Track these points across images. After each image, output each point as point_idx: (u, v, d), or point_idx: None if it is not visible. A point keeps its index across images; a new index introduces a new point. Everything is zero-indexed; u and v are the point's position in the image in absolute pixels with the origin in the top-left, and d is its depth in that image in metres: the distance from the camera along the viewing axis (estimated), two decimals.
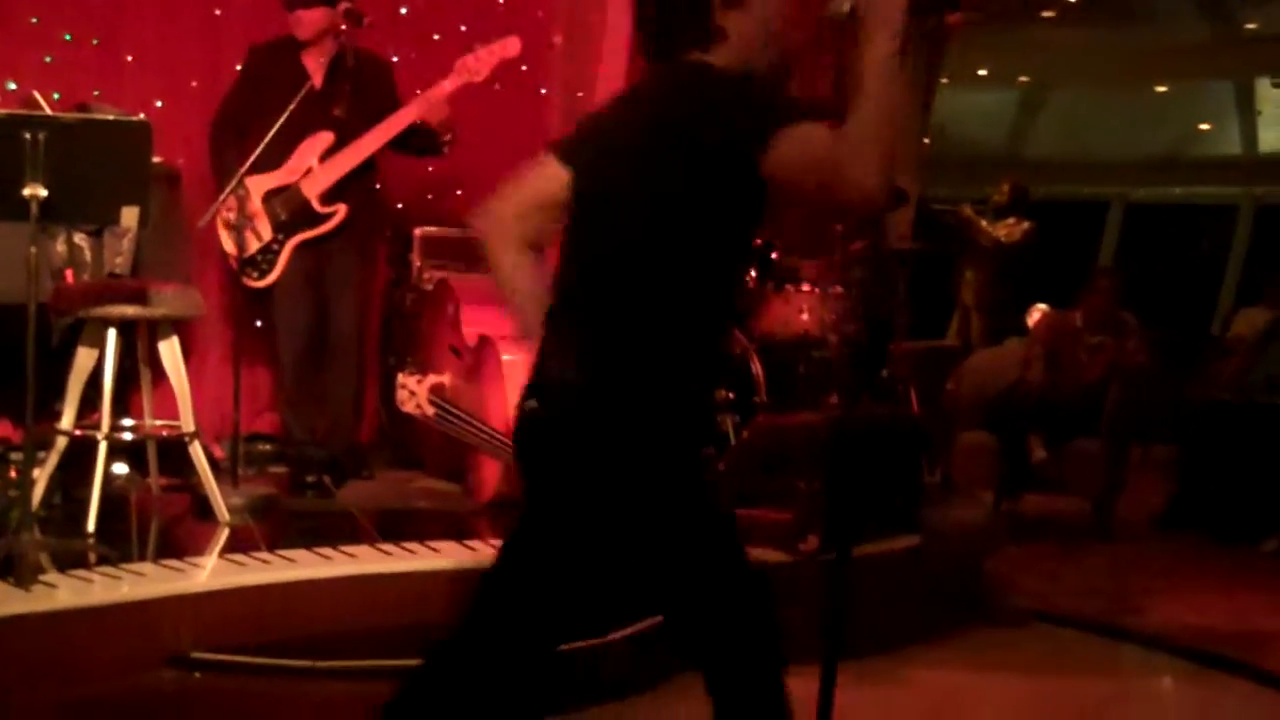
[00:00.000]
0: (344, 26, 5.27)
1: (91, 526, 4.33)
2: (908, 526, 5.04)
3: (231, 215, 5.15)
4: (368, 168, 5.46)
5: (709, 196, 2.34)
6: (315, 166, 5.35)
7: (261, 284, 5.41)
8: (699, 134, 2.32)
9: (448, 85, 5.39)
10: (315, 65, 5.36)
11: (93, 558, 4.06)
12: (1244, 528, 6.81)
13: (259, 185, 5.31)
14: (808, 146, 2.28)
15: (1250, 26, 13.00)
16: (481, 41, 5.49)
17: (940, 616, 4.97)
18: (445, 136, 5.48)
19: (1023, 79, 15.85)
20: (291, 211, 5.36)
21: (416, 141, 5.50)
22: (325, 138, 5.34)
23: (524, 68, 6.17)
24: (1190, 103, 15.97)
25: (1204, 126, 16.50)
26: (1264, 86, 15.17)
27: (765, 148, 2.27)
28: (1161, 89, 15.48)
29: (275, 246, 5.37)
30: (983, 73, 14.80)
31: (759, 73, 2.46)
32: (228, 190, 5.08)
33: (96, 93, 5.75)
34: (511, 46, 5.43)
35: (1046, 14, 11.60)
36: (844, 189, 2.26)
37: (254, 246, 5.36)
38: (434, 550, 4.32)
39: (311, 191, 5.35)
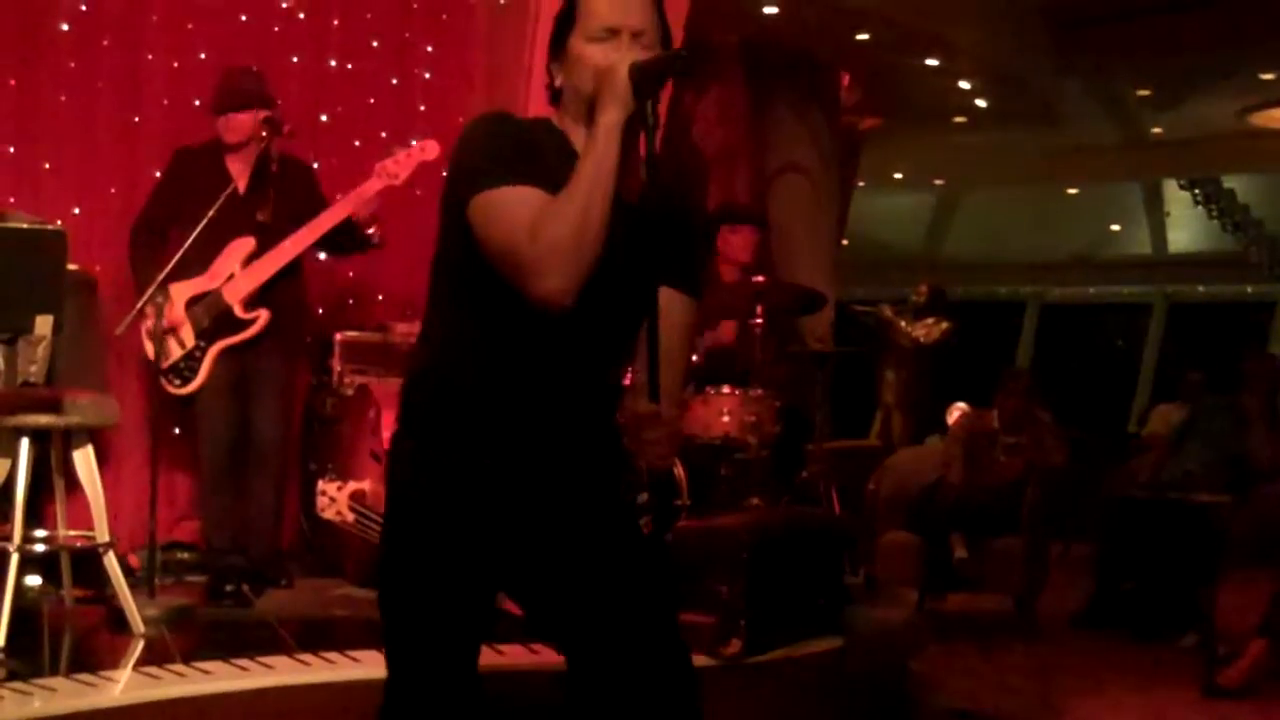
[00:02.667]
0: (264, 134, 5.29)
1: (1, 640, 4.22)
2: (831, 628, 5.03)
3: (151, 323, 5.12)
4: (293, 272, 5.46)
5: (448, 233, 2.42)
6: (238, 272, 5.34)
7: (184, 391, 5.37)
8: (449, 174, 2.45)
9: (373, 186, 5.41)
10: (239, 170, 5.38)
11: (2, 673, 3.97)
12: (1162, 624, 6.87)
13: (181, 292, 5.29)
14: (496, 218, 2.28)
15: (1156, 130, 13.35)
16: (401, 146, 5.54)
17: (865, 718, 4.96)
18: (371, 230, 5.49)
19: (938, 181, 16.16)
20: (214, 318, 5.34)
21: (344, 240, 5.51)
22: (247, 243, 5.34)
23: (444, 173, 6.20)
24: (1101, 204, 16.35)
25: (1115, 227, 16.88)
26: (1172, 188, 15.58)
27: (464, 200, 2.33)
28: (1073, 191, 15.84)
29: (198, 354, 5.34)
30: (898, 176, 15.08)
31: (538, 123, 2.48)
32: (146, 296, 5.06)
33: (12, 199, 5.72)
34: (430, 150, 5.46)
35: (959, 119, 11.85)
36: (523, 281, 2.26)
37: (177, 354, 5.33)
38: (354, 660, 4.26)
39: (234, 297, 5.33)
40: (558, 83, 2.48)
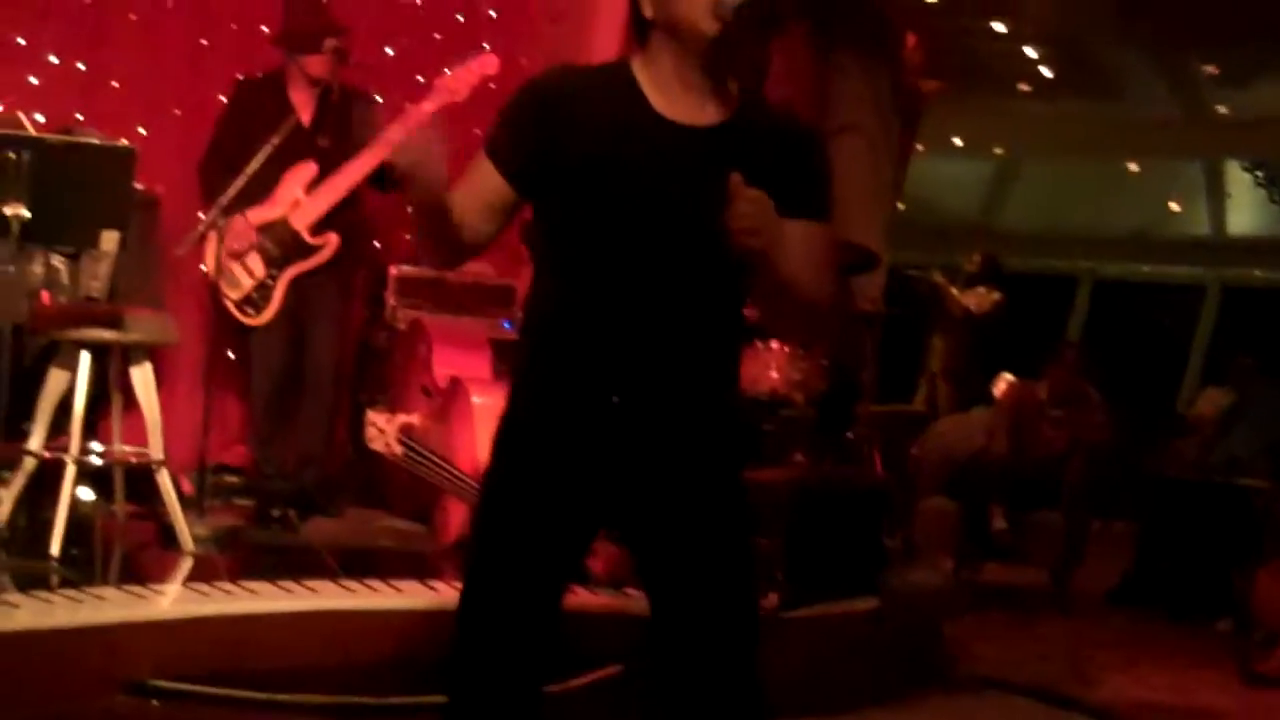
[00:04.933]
0: (331, 62, 5.31)
1: (55, 549, 4.30)
2: (868, 589, 5.05)
3: (234, 244, 5.14)
4: (352, 202, 5.48)
5: None
6: (302, 198, 5.36)
7: (258, 320, 5.38)
8: None
9: (428, 105, 5.30)
10: (302, 101, 5.39)
11: (55, 579, 4.05)
12: (1198, 607, 6.86)
13: (249, 219, 5.31)
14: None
15: (1221, 109, 13.18)
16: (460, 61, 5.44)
17: (897, 680, 4.98)
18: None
19: (998, 150, 16.00)
20: (283, 245, 5.36)
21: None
22: (310, 168, 5.37)
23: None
24: (1161, 182, 16.14)
25: (1174, 206, 16.69)
26: (1234, 169, 15.38)
27: None
28: (1133, 167, 15.65)
29: (269, 282, 5.37)
30: (958, 142, 14.94)
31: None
32: (210, 218, 5.07)
33: (80, 116, 5.77)
34: (490, 64, 5.36)
35: (1023, 87, 11.74)
36: None
37: (248, 284, 5.35)
38: (397, 590, 4.31)
39: (301, 223, 5.35)
40: (648, 14, 2.39)
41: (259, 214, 5.34)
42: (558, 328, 2.45)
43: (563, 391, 2.44)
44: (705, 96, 2.39)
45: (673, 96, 2.38)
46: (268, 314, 5.38)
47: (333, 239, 5.38)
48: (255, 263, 5.35)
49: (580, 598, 4.28)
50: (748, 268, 2.30)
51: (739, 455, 2.54)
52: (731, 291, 2.45)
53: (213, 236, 5.15)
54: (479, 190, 2.42)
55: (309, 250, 5.37)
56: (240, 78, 5.67)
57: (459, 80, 5.39)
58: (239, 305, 5.31)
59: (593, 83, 2.45)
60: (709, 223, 2.27)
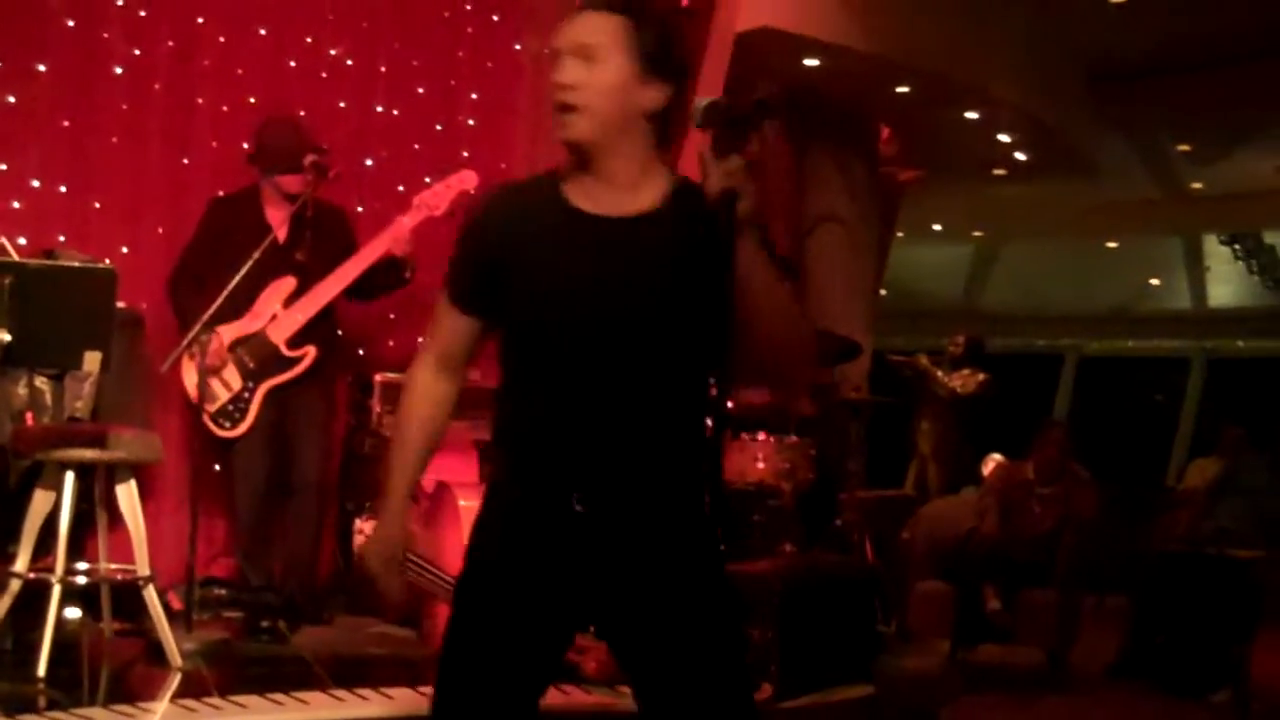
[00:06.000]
0: (310, 178, 5.38)
1: (42, 670, 4.28)
2: (862, 676, 5.04)
3: (208, 361, 5.19)
4: (328, 313, 5.53)
5: None
6: (280, 312, 5.42)
7: (234, 433, 5.41)
8: None
9: (408, 220, 5.49)
10: (278, 218, 5.44)
11: (43, 702, 4.03)
12: (1194, 679, 6.82)
13: (224, 334, 5.35)
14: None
15: (1196, 185, 13.34)
16: (439, 178, 5.61)
17: None
18: (406, 273, 5.57)
19: (976, 233, 16.16)
20: (260, 359, 5.40)
21: (380, 279, 5.57)
22: (288, 283, 5.42)
23: None
24: (1140, 258, 16.31)
25: (1154, 281, 16.83)
26: (1211, 243, 15.54)
27: None
28: (1112, 244, 15.81)
29: (246, 394, 5.40)
30: (937, 227, 15.10)
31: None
32: (191, 334, 5.12)
33: (62, 238, 5.84)
34: (469, 180, 5.54)
35: (998, 172, 11.89)
36: None
37: (224, 396, 5.39)
38: (388, 697, 4.30)
39: (279, 337, 5.40)
40: None
41: (237, 328, 5.38)
42: (520, 434, 2.49)
43: (528, 496, 2.46)
44: (629, 187, 2.42)
45: (596, 192, 2.43)
46: (243, 426, 5.40)
47: (310, 350, 5.42)
48: (232, 376, 5.39)
49: (573, 697, 4.28)
50: (724, 313, 2.25)
51: (716, 543, 2.51)
52: (688, 377, 2.46)
53: (190, 354, 5.19)
54: (451, 341, 2.58)
55: (287, 363, 5.42)
56: (216, 196, 5.73)
57: (438, 195, 5.51)
58: (215, 418, 5.34)
59: (522, 195, 2.52)
60: (651, 309, 2.33)
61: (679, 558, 2.46)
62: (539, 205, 2.46)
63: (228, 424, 5.40)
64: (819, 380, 7.08)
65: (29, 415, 5.03)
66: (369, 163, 6.66)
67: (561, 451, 2.43)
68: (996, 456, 9.10)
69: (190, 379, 5.34)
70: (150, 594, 4.63)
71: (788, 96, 9.21)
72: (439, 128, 6.87)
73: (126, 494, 4.65)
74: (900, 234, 12.15)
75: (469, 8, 6.96)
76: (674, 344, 2.39)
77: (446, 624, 2.54)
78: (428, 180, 6.39)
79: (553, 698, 4.18)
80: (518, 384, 2.49)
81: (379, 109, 6.73)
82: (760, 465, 5.85)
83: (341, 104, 6.61)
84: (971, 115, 9.95)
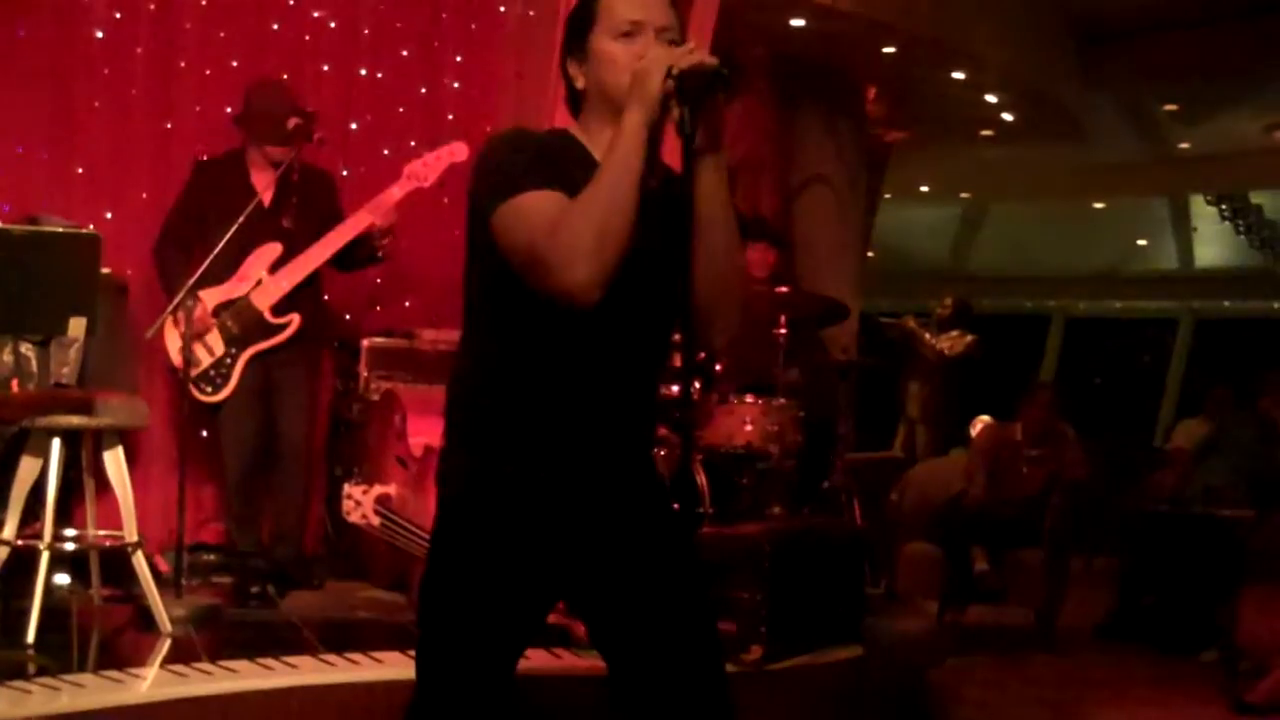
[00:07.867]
0: (295, 142, 5.34)
1: (31, 637, 4.27)
2: (851, 637, 5.06)
3: (181, 329, 5.17)
4: (313, 279, 5.51)
5: (476, 249, 2.43)
6: (265, 278, 5.39)
7: (216, 398, 5.39)
8: (472, 192, 2.41)
9: (397, 191, 5.46)
10: (263, 182, 5.40)
11: (32, 668, 4.03)
12: (1183, 638, 6.86)
13: (209, 298, 5.33)
14: (517, 223, 2.28)
15: (1183, 146, 13.33)
16: (429, 148, 5.59)
17: None
18: (380, 251, 5.54)
19: (964, 195, 16.15)
20: (243, 324, 5.38)
21: (361, 252, 5.55)
22: (274, 248, 5.39)
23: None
24: (1127, 219, 16.32)
25: (1141, 242, 16.84)
26: (1198, 203, 15.55)
27: (487, 213, 2.33)
28: (1099, 205, 15.81)
29: (228, 360, 5.38)
30: (924, 189, 15.08)
31: (536, 134, 2.46)
32: (176, 300, 5.11)
33: (45, 204, 5.80)
34: (459, 151, 5.51)
35: (985, 133, 11.86)
36: (546, 278, 2.25)
37: (206, 361, 5.37)
38: (377, 661, 4.30)
39: (263, 303, 5.38)
40: (580, 84, 2.46)
41: (222, 292, 5.36)
42: (499, 393, 2.44)
43: (526, 462, 2.42)
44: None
45: None
46: (225, 391, 5.38)
47: (295, 318, 5.40)
48: (215, 341, 5.37)
49: (565, 660, 4.28)
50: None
51: (686, 506, 2.56)
52: (667, 342, 2.52)
53: (173, 319, 5.17)
54: (558, 202, 2.31)
55: (271, 329, 5.39)
56: (200, 159, 5.70)
57: (427, 166, 5.48)
58: (197, 383, 5.32)
59: (555, 145, 2.45)
60: (659, 277, 2.33)
61: (645, 520, 2.47)
62: (575, 160, 2.40)
63: (210, 389, 5.38)
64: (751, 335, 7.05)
65: (14, 382, 5.00)
66: (353, 126, 6.62)
67: (567, 414, 2.40)
68: (985, 418, 9.11)
69: (174, 344, 5.32)
70: (139, 560, 4.62)
71: (770, 59, 9.17)
72: (423, 91, 6.83)
73: (114, 460, 4.64)
74: (888, 195, 12.13)
75: None
76: (668, 313, 2.42)
77: (422, 588, 2.51)
78: (413, 144, 6.41)
79: (545, 661, 4.22)
80: (513, 343, 2.42)
81: (362, 72, 6.69)
82: (748, 428, 5.83)
83: (325, 67, 6.57)
84: (959, 76, 9.90)
